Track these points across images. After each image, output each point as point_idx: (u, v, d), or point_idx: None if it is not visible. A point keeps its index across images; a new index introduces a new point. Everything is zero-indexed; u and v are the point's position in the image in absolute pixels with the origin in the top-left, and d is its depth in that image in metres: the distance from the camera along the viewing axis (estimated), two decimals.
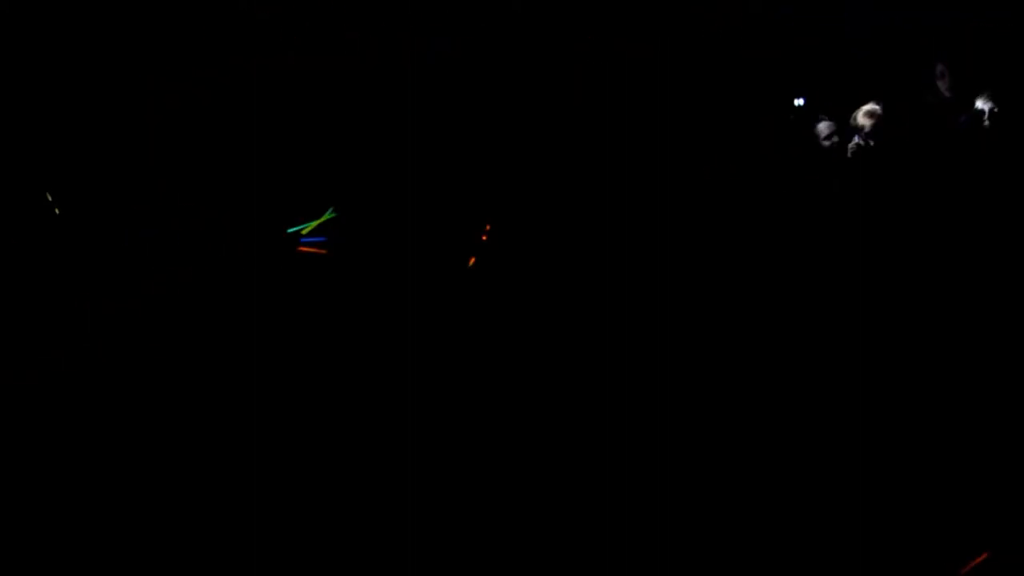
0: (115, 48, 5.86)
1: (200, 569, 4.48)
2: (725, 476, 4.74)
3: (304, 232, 5.46)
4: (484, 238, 5.54)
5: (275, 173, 5.72)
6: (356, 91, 6.01)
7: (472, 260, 5.50)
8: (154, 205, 5.56)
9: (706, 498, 4.68)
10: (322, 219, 5.50)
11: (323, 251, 5.47)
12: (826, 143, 5.69)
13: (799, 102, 6.05)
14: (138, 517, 4.58)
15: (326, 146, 5.88)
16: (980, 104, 5.51)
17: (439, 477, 4.75)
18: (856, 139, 5.62)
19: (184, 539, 4.53)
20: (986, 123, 5.48)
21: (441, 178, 5.78)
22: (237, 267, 5.39)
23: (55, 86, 5.75)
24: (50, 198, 5.36)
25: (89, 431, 4.83)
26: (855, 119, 5.64)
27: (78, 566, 4.45)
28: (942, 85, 5.77)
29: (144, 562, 4.47)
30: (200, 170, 5.75)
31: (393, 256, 5.49)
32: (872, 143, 5.59)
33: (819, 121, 5.74)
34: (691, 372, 5.09)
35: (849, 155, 5.63)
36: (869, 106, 5.63)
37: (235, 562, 4.46)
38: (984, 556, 4.35)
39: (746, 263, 5.39)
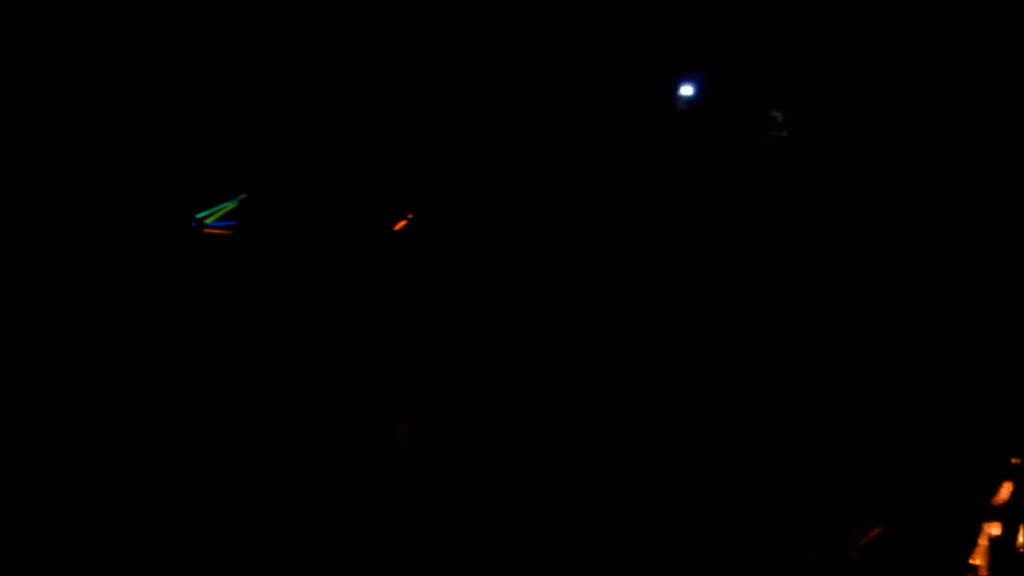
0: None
1: None
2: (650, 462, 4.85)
3: (213, 217, 5.53)
4: (403, 224, 5.66)
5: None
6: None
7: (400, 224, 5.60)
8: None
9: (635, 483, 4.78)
10: (232, 204, 5.58)
11: (227, 231, 5.54)
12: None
13: (686, 91, 5.88)
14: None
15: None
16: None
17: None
18: (772, 132, 5.75)
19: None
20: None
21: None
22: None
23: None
24: None
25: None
26: (772, 112, 5.77)
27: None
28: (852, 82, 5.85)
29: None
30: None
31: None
32: (785, 134, 5.74)
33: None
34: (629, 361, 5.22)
35: (767, 146, 5.76)
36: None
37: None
38: (877, 530, 4.58)
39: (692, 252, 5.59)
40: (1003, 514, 4.45)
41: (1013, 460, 4.62)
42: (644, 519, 4.60)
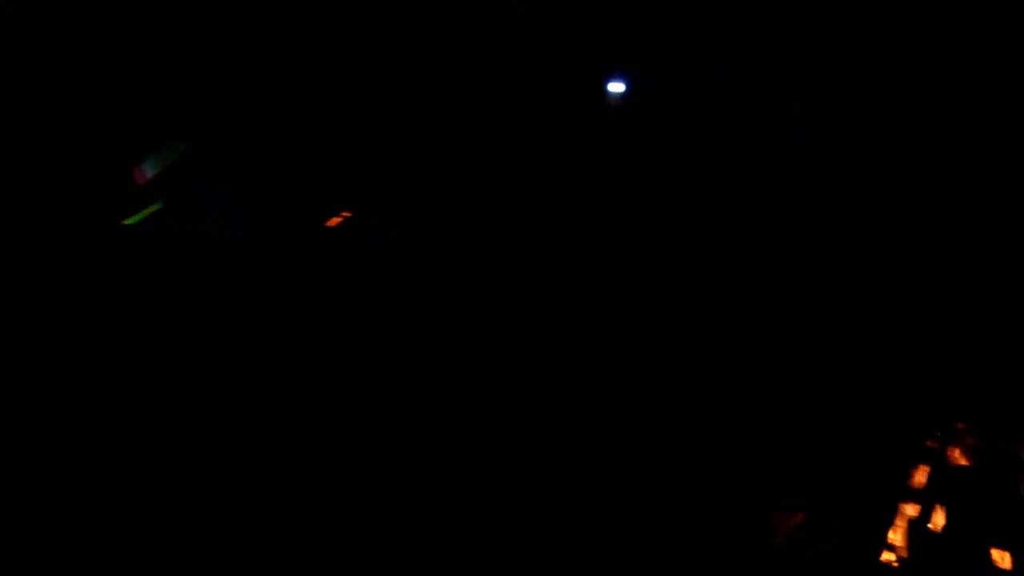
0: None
1: None
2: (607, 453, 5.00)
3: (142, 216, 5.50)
4: (337, 221, 5.71)
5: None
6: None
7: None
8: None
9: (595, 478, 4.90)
10: (168, 156, 5.58)
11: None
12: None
13: (617, 88, 5.75)
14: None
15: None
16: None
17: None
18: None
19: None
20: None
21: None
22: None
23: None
24: None
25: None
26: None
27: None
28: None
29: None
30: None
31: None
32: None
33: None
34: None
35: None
36: None
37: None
38: (802, 516, 4.83)
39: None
40: (919, 495, 4.70)
41: (929, 444, 4.87)
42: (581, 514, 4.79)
